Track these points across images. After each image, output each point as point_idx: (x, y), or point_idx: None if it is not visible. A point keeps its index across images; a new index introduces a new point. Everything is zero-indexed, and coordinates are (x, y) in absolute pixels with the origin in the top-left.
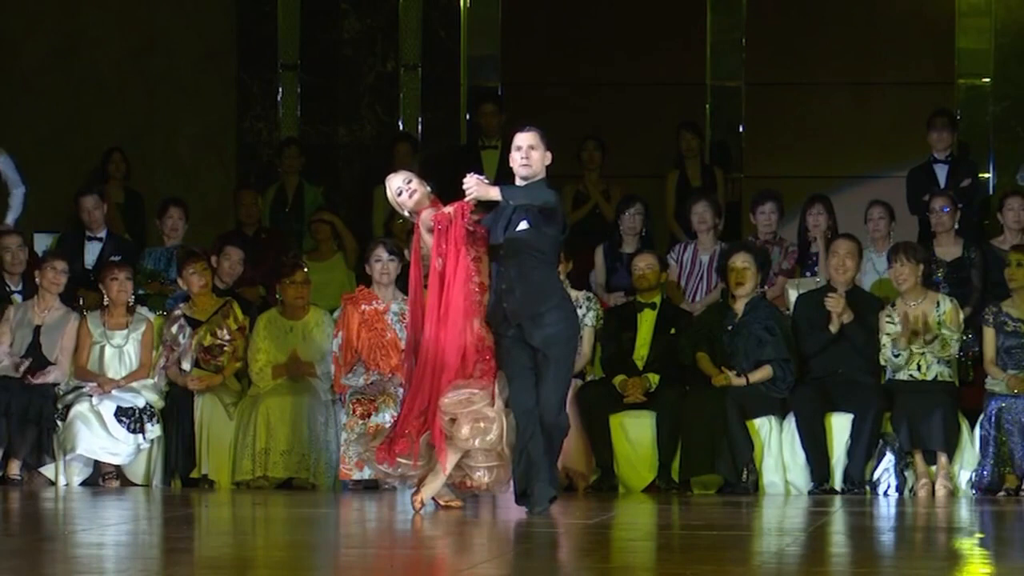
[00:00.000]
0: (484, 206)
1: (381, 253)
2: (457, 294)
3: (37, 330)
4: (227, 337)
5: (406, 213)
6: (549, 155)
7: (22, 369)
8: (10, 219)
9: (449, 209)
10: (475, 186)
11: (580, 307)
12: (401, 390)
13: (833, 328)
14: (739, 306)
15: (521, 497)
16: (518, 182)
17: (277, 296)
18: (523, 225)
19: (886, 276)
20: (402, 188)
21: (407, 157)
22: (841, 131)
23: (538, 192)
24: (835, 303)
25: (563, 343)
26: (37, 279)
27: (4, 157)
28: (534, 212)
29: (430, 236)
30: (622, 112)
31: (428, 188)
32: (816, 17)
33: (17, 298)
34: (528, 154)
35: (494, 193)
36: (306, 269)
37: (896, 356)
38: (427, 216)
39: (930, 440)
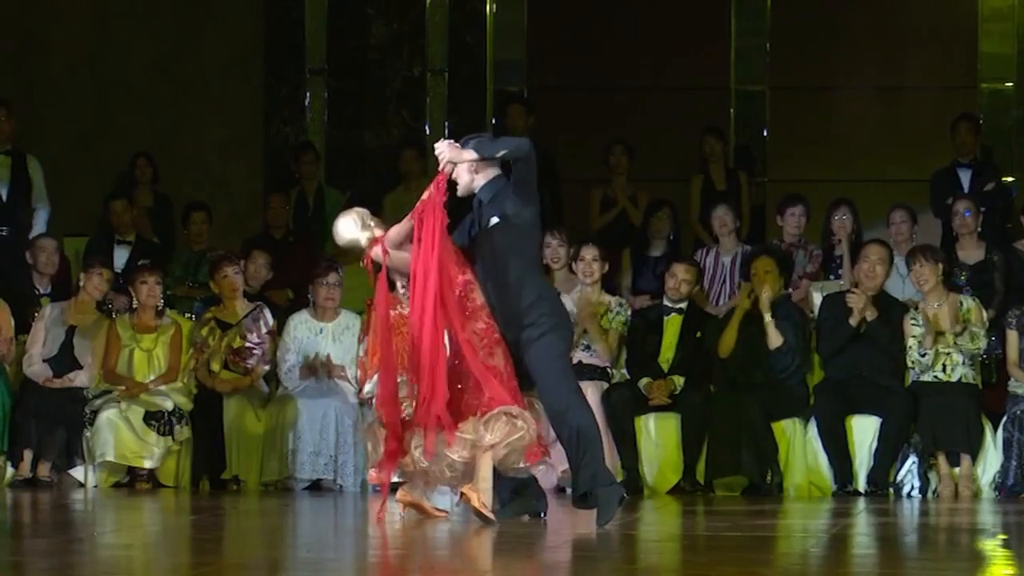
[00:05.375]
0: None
1: (365, 260)
2: (433, 281)
3: (71, 331)
4: (257, 340)
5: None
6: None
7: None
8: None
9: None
10: (447, 150)
11: (611, 311)
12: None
13: (853, 321)
14: (762, 309)
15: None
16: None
17: (309, 297)
18: (494, 220)
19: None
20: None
21: (412, 163)
22: (864, 135)
23: (511, 141)
24: (857, 299)
25: (538, 333)
26: (80, 282)
27: (35, 164)
28: (505, 201)
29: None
30: (647, 116)
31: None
32: (839, 21)
33: (46, 300)
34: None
35: (468, 155)
36: (340, 272)
37: (923, 356)
38: (399, 259)
39: (953, 441)
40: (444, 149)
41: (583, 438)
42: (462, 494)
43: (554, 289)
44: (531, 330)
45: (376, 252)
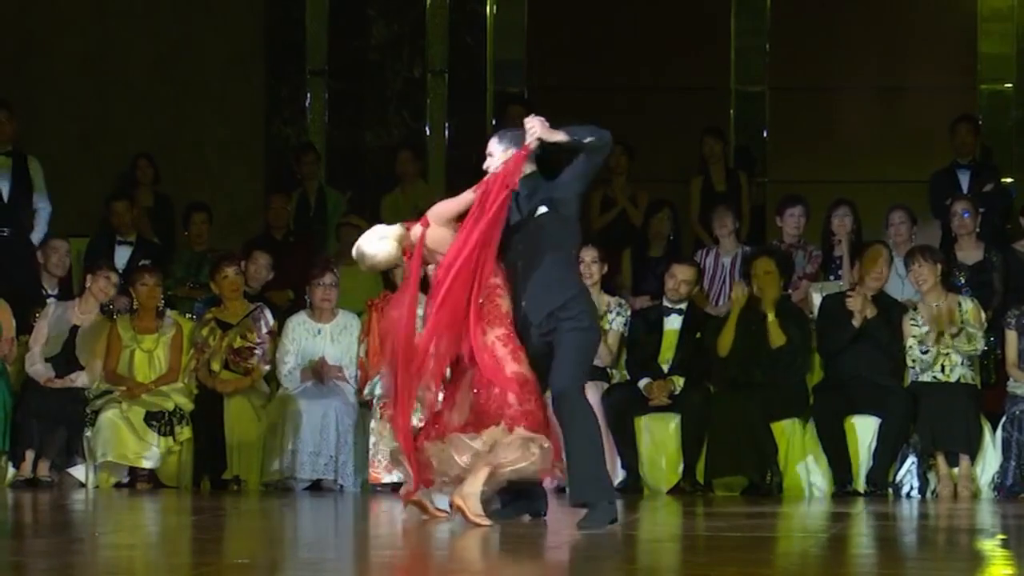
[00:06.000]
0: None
1: (404, 259)
2: (476, 240)
3: (74, 331)
4: (257, 340)
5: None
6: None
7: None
8: (35, 239)
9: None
10: (539, 127)
11: (611, 312)
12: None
13: (856, 323)
14: (765, 308)
15: (509, 505)
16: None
17: (306, 298)
18: (542, 209)
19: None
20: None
21: (408, 164)
22: (864, 135)
23: (596, 130)
24: (855, 301)
25: (577, 326)
26: (87, 283)
27: (36, 164)
28: (555, 190)
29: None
30: (647, 117)
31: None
32: (839, 22)
33: (51, 301)
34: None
35: (559, 135)
36: (336, 272)
37: (924, 353)
38: (437, 237)
39: (952, 442)
40: (536, 125)
41: (587, 440)
42: (452, 504)
43: (586, 287)
44: (570, 321)
45: (415, 232)
